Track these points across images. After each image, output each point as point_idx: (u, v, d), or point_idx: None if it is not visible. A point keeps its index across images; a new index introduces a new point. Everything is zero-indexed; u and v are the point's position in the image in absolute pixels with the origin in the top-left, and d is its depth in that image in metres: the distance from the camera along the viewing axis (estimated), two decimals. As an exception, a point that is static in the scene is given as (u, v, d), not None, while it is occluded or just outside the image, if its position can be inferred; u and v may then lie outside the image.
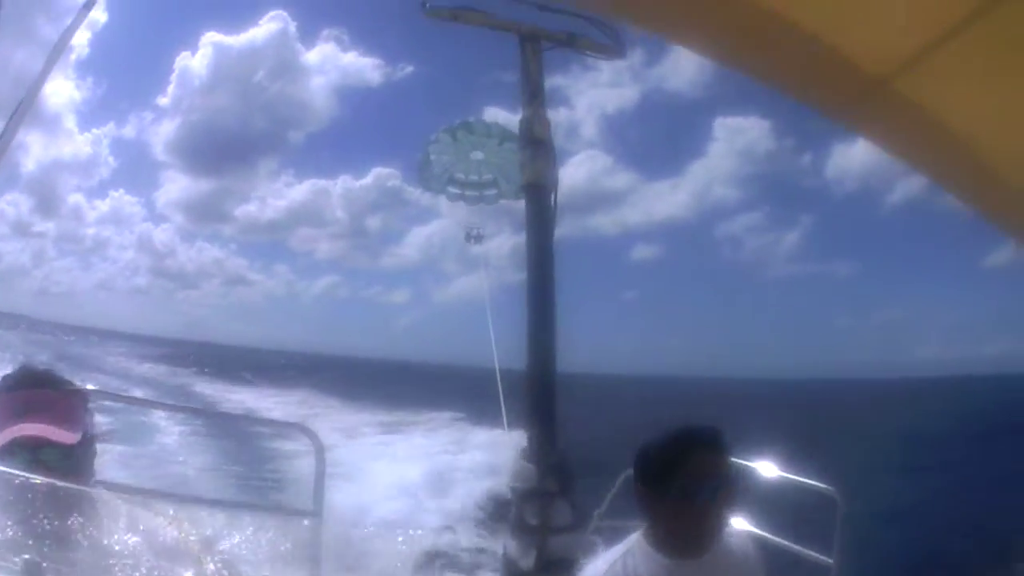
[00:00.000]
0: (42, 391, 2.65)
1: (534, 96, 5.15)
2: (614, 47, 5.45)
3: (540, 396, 4.98)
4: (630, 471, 2.84)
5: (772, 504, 6.84)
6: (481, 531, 16.71)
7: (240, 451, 27.24)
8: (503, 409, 6.29)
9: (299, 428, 5.78)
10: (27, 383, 2.65)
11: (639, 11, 2.84)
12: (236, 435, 27.57)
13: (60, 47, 3.01)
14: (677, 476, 2.55)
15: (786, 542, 5.73)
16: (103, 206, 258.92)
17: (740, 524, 5.78)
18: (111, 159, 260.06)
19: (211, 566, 5.64)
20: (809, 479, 5.77)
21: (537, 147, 5.08)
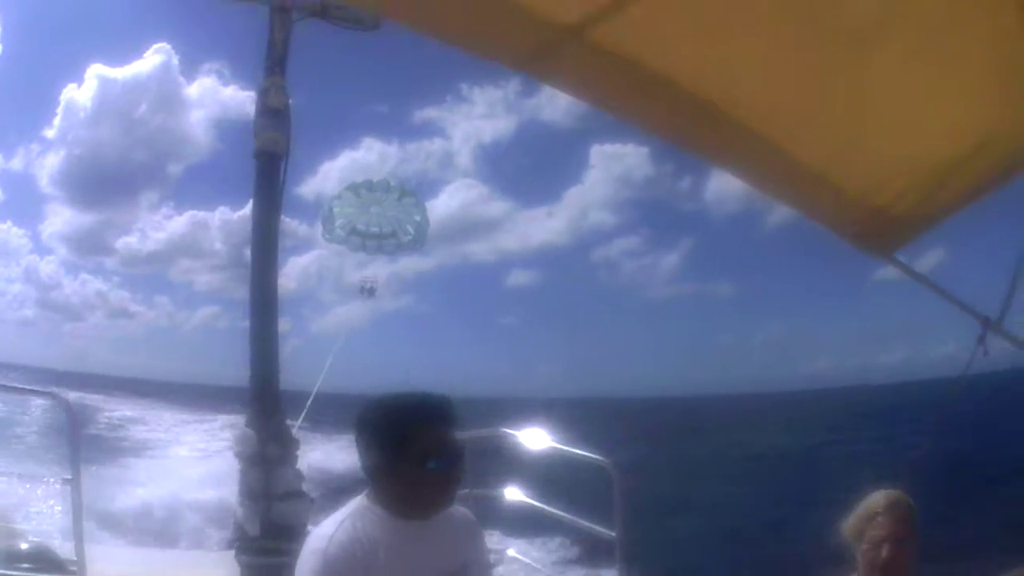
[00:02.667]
0: None
1: (276, 66, 5.07)
2: (368, 20, 5.45)
3: (262, 367, 4.99)
4: None
5: (549, 478, 6.88)
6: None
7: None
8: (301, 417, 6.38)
9: (51, 396, 5.74)
10: None
11: None
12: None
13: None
14: (415, 445, 2.53)
15: (569, 516, 5.89)
16: None
17: (515, 495, 5.86)
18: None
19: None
20: (584, 451, 5.85)
21: (272, 116, 5.08)
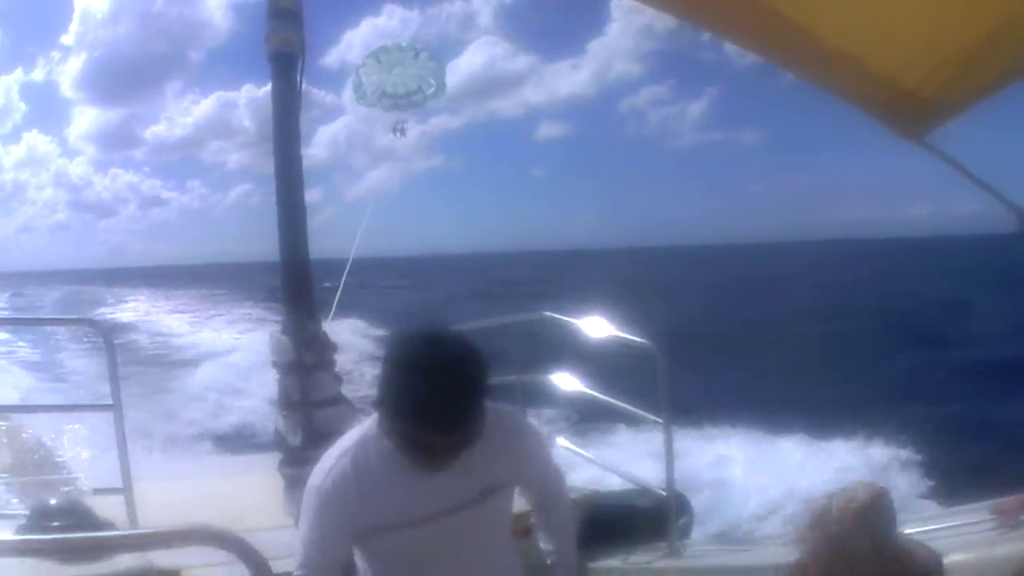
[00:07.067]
0: None
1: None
2: None
3: (293, 273, 4.82)
4: None
5: (597, 361, 6.74)
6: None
7: (37, 352, 28.29)
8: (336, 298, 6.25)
9: (87, 323, 5.62)
10: None
11: None
12: (30, 338, 28.39)
13: None
14: (406, 433, 2.23)
15: (617, 401, 5.84)
16: (18, 150, 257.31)
17: (564, 381, 5.76)
18: (22, 104, 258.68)
19: (31, 467, 5.65)
20: (631, 335, 5.72)
21: (283, 17, 4.80)
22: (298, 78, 4.81)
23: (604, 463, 6.23)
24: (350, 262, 7.49)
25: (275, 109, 4.82)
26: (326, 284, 5.18)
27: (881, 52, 3.16)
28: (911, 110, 3.36)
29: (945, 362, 23.50)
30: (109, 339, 5.32)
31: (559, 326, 6.09)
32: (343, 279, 6.90)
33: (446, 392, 2.16)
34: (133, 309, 49.55)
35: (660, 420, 5.36)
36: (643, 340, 5.54)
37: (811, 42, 2.99)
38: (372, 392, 2.33)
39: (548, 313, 6.16)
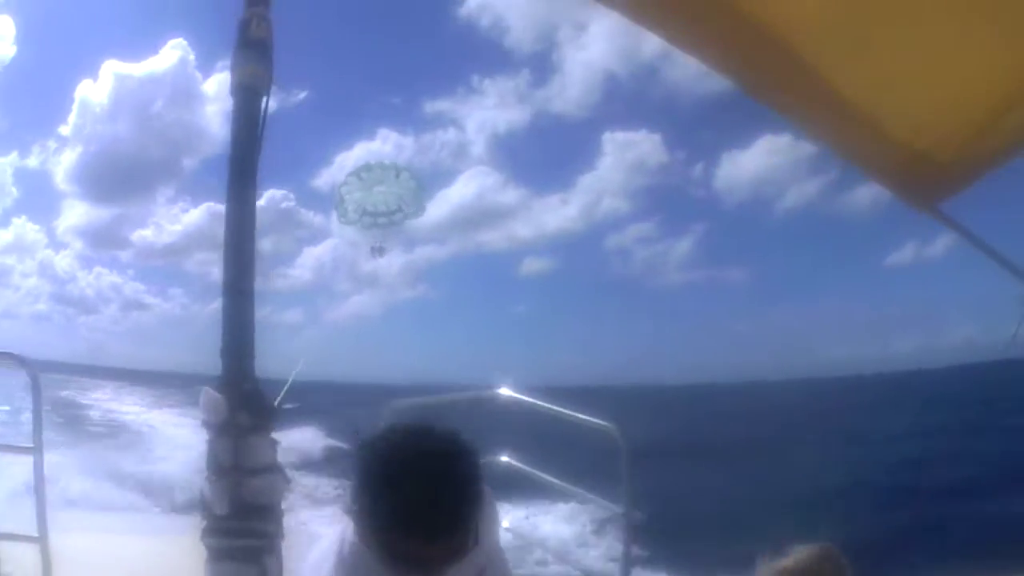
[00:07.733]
0: None
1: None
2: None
3: (234, 323, 4.48)
4: None
5: (555, 442, 6.44)
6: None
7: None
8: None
9: (14, 358, 5.31)
10: None
11: None
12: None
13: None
14: (393, 538, 1.92)
15: (566, 484, 5.70)
16: (7, 235, 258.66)
17: (509, 462, 5.54)
18: (14, 189, 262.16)
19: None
20: (591, 417, 5.38)
21: (254, 47, 4.60)
22: (262, 115, 4.59)
23: (556, 551, 5.99)
24: (290, 381, 7.24)
25: (233, 144, 4.58)
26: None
27: (894, 111, 3.06)
28: (925, 175, 3.24)
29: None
30: (35, 378, 4.98)
31: (515, 404, 5.75)
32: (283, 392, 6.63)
33: (436, 494, 1.88)
34: (95, 399, 49.63)
35: (620, 510, 5.07)
36: (604, 422, 5.21)
37: (824, 94, 2.91)
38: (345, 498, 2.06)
39: (504, 389, 5.83)
